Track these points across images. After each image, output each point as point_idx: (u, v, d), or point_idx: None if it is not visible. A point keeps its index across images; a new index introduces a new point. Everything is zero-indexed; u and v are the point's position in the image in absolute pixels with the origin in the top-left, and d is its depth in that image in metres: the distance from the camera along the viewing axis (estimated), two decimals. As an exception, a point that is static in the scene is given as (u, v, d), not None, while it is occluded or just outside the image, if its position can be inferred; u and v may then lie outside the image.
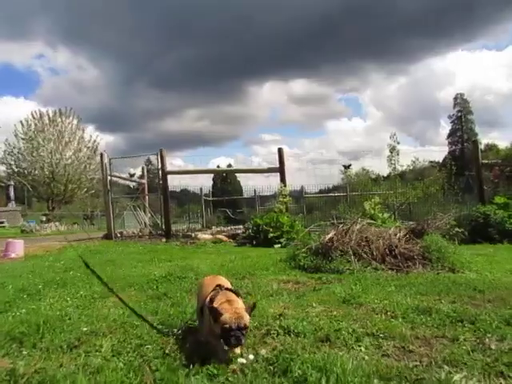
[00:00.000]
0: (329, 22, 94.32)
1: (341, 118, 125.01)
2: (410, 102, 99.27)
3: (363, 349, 2.71)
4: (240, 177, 51.90)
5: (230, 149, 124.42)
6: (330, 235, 6.24)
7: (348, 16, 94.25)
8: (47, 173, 31.83)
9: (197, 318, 3.04)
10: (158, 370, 2.34)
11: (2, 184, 37.05)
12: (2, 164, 32.82)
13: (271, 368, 2.39)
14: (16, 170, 32.64)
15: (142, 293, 4.67)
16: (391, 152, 13.87)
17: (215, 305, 2.54)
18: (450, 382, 2.18)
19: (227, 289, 2.77)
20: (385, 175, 16.41)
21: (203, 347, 2.63)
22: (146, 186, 19.04)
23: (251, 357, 2.50)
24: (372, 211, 10.32)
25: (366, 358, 2.54)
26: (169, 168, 15.06)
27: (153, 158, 16.49)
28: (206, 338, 2.68)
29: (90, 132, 35.93)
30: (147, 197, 18.56)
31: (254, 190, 21.58)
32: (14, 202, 39.56)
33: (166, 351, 2.65)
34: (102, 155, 15.86)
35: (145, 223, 17.73)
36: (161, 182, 14.96)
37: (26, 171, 32.23)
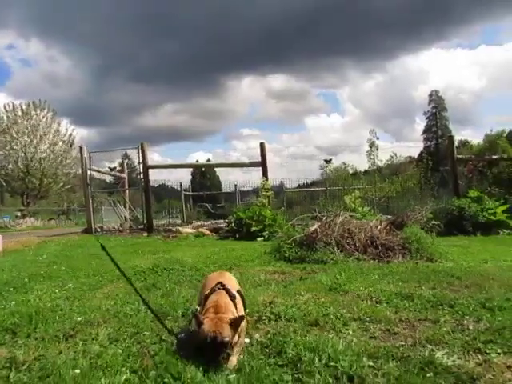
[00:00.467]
0: (306, 18, 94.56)
1: (319, 113, 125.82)
2: (387, 99, 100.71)
3: (351, 332, 2.84)
4: (219, 172, 51.95)
5: (209, 144, 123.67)
6: (314, 227, 6.42)
7: (325, 12, 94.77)
8: (21, 167, 31.07)
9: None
10: (157, 355, 2.41)
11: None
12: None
13: (266, 350, 2.49)
14: (-12, 164, 31.80)
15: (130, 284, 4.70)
16: (371, 147, 14.19)
17: (205, 307, 2.45)
18: (433, 358, 2.32)
19: (225, 289, 2.60)
20: (363, 170, 16.76)
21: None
22: (127, 180, 18.88)
23: (247, 340, 2.59)
24: (352, 205, 10.58)
25: (355, 340, 2.67)
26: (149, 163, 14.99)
27: (130, 152, 16.39)
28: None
29: (66, 125, 35.11)
30: (127, 191, 18.41)
31: (235, 185, 21.67)
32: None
33: (163, 337, 2.72)
34: (81, 149, 15.62)
35: (125, 217, 17.59)
36: (141, 176, 14.89)
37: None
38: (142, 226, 14.89)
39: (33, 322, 3.15)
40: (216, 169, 46.75)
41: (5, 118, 31.51)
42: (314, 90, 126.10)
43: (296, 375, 2.15)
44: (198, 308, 2.68)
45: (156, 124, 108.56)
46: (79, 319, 3.20)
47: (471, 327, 2.85)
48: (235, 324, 2.31)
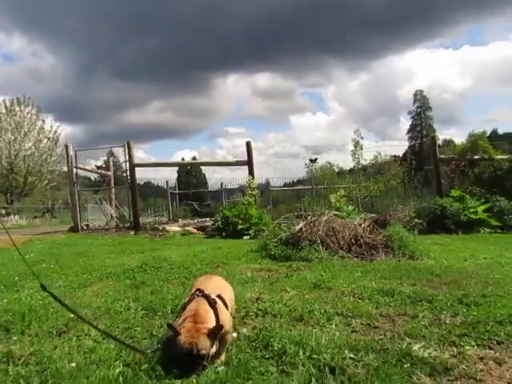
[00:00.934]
0: (293, 16, 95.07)
1: (305, 112, 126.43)
2: (371, 98, 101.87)
3: (334, 326, 2.97)
4: (205, 170, 51.76)
5: (195, 141, 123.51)
6: (299, 226, 6.56)
7: (310, 11, 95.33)
8: (5, 164, 30.56)
9: None
10: (148, 349, 2.52)
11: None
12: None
13: (253, 344, 2.61)
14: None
15: (119, 282, 4.77)
16: (355, 147, 14.40)
17: (184, 316, 2.38)
18: (410, 351, 2.46)
19: (204, 295, 2.48)
20: (348, 169, 16.97)
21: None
22: (112, 178, 18.78)
23: (234, 335, 2.71)
24: (337, 204, 10.75)
25: (337, 333, 2.81)
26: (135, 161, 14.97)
27: (115, 150, 16.30)
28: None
29: (51, 122, 34.70)
30: (113, 189, 18.33)
31: (221, 183, 21.66)
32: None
33: (153, 332, 2.83)
34: (67, 147, 15.46)
35: (111, 216, 17.52)
36: (127, 174, 14.85)
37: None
38: (128, 225, 14.87)
39: (26, 320, 3.21)
40: (202, 167, 46.64)
41: (-13, 114, 31.03)
42: (300, 88, 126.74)
43: (281, 367, 2.28)
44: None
45: (141, 121, 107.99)
46: (71, 316, 3.26)
47: (448, 321, 2.99)
48: (213, 334, 2.23)
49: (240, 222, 11.35)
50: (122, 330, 2.92)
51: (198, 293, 2.51)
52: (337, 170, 16.89)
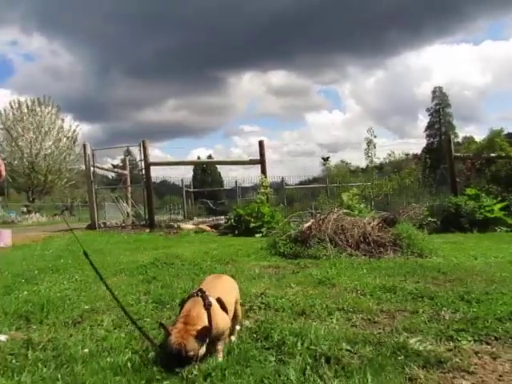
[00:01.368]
0: (307, 13, 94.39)
1: (321, 110, 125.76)
2: (388, 96, 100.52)
3: (334, 320, 3.08)
4: (221, 168, 52.12)
5: (210, 140, 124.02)
6: (308, 224, 6.67)
7: (325, 8, 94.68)
8: (27, 163, 31.47)
9: None
10: (156, 338, 2.67)
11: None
12: (-21, 155, 32.27)
13: (254, 335, 2.75)
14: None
15: (132, 277, 4.97)
16: (368, 145, 14.39)
17: (179, 316, 2.42)
18: (406, 344, 2.56)
19: (202, 296, 2.46)
20: (363, 167, 16.96)
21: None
22: (129, 176, 19.13)
23: (237, 327, 2.85)
24: (350, 202, 10.80)
25: (337, 327, 2.92)
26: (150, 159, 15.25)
27: (132, 149, 16.62)
28: None
29: (70, 122, 35.55)
30: (129, 188, 18.68)
31: (236, 182, 21.78)
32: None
33: (162, 322, 2.99)
34: (84, 146, 15.85)
35: (127, 214, 17.87)
36: (143, 173, 15.15)
37: (5, 162, 31.66)
38: (143, 223, 15.17)
39: (44, 310, 3.42)
40: (217, 165, 46.98)
41: (11, 114, 31.89)
42: (315, 86, 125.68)
43: (279, 356, 2.40)
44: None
45: (157, 119, 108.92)
46: (86, 307, 3.49)
47: (447, 317, 3.05)
48: (201, 336, 2.23)
49: (252, 220, 11.49)
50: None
51: (197, 292, 2.52)
52: (352, 168, 16.89)
